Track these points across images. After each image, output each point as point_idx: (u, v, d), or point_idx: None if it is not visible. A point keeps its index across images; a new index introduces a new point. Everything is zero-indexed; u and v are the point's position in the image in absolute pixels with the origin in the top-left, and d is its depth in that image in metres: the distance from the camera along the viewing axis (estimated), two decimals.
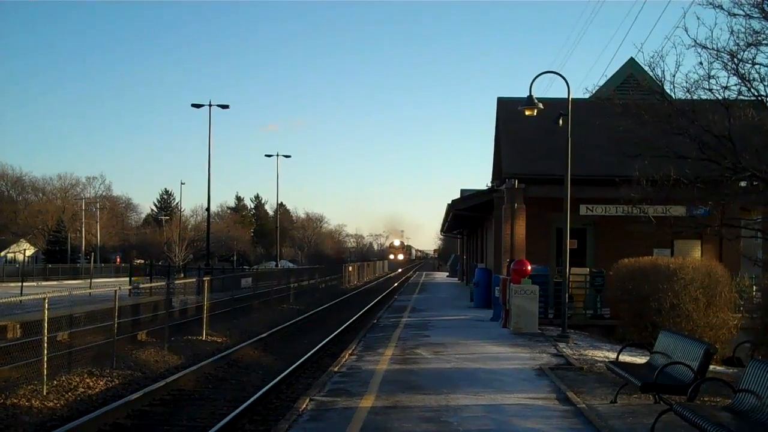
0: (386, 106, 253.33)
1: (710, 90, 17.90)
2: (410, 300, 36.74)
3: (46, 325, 14.74)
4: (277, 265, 77.15)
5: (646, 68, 20.14)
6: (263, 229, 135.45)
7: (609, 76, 31.97)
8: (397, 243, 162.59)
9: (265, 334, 24.70)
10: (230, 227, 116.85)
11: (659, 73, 18.79)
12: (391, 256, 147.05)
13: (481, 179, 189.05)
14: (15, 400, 13.34)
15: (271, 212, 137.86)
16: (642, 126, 19.06)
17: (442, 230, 66.95)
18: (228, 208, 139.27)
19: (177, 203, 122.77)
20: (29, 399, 13.56)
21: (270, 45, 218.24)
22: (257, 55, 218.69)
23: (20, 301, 23.82)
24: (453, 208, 36.45)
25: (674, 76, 18.68)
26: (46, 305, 14.84)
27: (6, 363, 16.53)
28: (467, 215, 38.19)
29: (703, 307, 18.49)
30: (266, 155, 74.60)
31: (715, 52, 17.28)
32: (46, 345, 14.56)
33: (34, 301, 19.10)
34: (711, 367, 11.22)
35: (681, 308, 18.37)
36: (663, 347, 11.81)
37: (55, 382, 14.87)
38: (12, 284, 50.19)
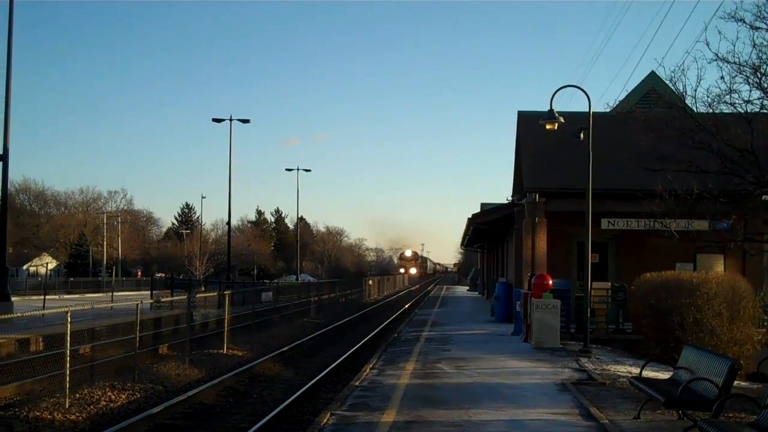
0: (406, 120, 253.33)
1: (732, 104, 17.86)
2: (431, 314, 36.68)
3: (68, 338, 14.80)
4: (297, 279, 77.31)
5: (668, 82, 20.13)
6: (283, 242, 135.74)
7: (630, 90, 32.04)
8: (408, 253, 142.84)
9: (285, 348, 24.71)
10: (251, 241, 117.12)
11: (680, 88, 18.78)
12: (402, 270, 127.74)
13: (502, 193, 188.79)
14: (38, 413, 13.39)
15: (291, 226, 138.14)
16: (663, 140, 19.00)
17: (462, 244, 66.83)
18: (248, 221, 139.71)
19: (198, 217, 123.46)
20: (52, 412, 13.61)
21: (291, 60, 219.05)
22: (278, 70, 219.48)
23: (43, 314, 24.10)
24: (473, 222, 36.41)
25: (695, 90, 18.68)
26: (69, 318, 14.90)
27: (29, 376, 16.63)
28: (487, 229, 38.12)
29: (727, 321, 18.34)
30: (287, 169, 74.94)
31: (737, 66, 17.26)
32: (68, 358, 14.61)
33: (57, 315, 19.20)
34: (735, 382, 11.10)
35: (704, 323, 18.22)
36: (687, 362, 11.72)
37: (77, 395, 14.92)
38: (34, 297, 50.48)
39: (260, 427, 13.09)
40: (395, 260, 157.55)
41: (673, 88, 19.37)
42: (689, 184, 17.68)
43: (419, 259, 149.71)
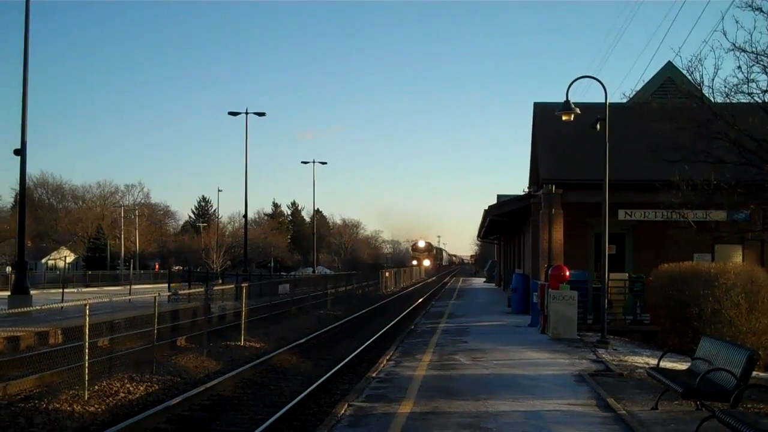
0: (422, 112, 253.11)
1: (749, 94, 17.76)
2: (447, 306, 36.67)
3: (87, 330, 14.90)
4: (314, 271, 77.47)
5: (684, 72, 20.01)
6: (300, 235, 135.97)
7: (647, 80, 31.83)
8: (421, 244, 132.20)
9: (302, 340, 24.78)
10: (267, 233, 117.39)
11: (697, 77, 18.67)
12: (414, 262, 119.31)
13: (518, 185, 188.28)
14: (57, 405, 13.49)
15: (307, 218, 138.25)
16: (680, 130, 18.90)
17: (478, 236, 66.68)
18: (265, 214, 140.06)
19: (214, 210, 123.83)
20: (71, 404, 13.71)
21: (307, 53, 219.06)
22: (294, 63, 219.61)
23: (61, 307, 24.24)
24: (490, 213, 36.32)
25: (713, 80, 18.54)
26: (87, 311, 15.00)
27: (48, 368, 16.77)
28: (504, 221, 38.04)
29: (745, 312, 18.23)
30: (302, 162, 74.94)
31: (755, 55, 17.15)
32: (87, 350, 14.71)
33: (75, 308, 19.33)
34: (754, 373, 11.03)
35: (722, 314, 18.13)
36: (705, 353, 11.66)
37: (96, 387, 15.02)
38: (53, 291, 50.82)
39: (277, 418, 13.14)
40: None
41: (690, 78, 19.26)
42: (707, 175, 17.58)
43: (433, 251, 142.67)
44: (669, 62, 30.93)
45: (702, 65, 18.71)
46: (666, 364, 12.87)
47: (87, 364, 14.60)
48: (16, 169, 39.68)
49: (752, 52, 17.08)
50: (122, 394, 15.05)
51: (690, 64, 18.94)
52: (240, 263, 75.53)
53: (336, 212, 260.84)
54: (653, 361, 14.28)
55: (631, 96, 26.55)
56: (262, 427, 12.35)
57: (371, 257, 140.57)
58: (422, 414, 11.05)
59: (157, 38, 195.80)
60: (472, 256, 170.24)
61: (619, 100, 25.20)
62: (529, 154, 38.56)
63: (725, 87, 18.33)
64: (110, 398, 14.63)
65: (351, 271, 77.50)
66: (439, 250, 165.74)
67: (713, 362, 10.95)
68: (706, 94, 18.78)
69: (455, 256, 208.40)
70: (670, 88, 28.29)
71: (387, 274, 70.46)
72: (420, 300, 48.69)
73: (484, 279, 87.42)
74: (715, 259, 24.55)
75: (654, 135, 20.43)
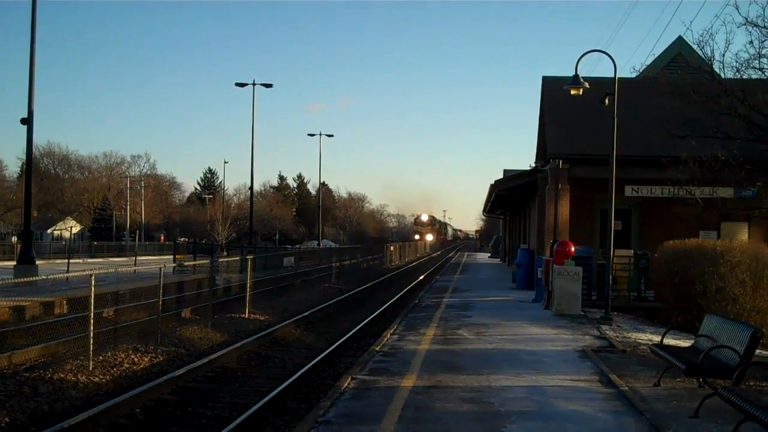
0: (431, 86, 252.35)
1: (761, 69, 17.65)
2: (452, 280, 36.72)
3: (92, 301, 14.91)
4: (319, 244, 77.55)
5: (695, 47, 19.90)
6: (305, 208, 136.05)
7: (657, 55, 31.69)
8: (425, 218, 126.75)
9: (306, 313, 24.82)
10: (273, 206, 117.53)
11: (708, 52, 18.57)
12: (417, 237, 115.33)
13: (525, 159, 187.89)
14: (62, 375, 13.55)
15: (313, 191, 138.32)
16: (690, 106, 18.80)
17: (484, 211, 66.72)
18: (271, 187, 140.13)
19: (220, 182, 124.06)
20: (76, 374, 13.76)
21: (315, 23, 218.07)
22: (303, 34, 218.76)
23: (67, 277, 24.32)
24: (496, 188, 36.26)
25: (723, 55, 18.44)
26: (93, 282, 15.01)
27: (53, 338, 16.84)
28: (510, 196, 37.97)
29: (750, 290, 18.17)
30: (309, 134, 75.02)
31: (767, 30, 16.98)
32: (92, 321, 14.74)
33: (81, 278, 19.37)
34: (757, 351, 11.03)
35: (727, 291, 18.07)
36: (708, 330, 11.64)
37: (100, 357, 15.07)
38: (59, 261, 50.97)
39: (281, 390, 13.18)
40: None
41: (700, 53, 19.13)
42: (715, 151, 17.50)
43: (437, 225, 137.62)
44: (680, 37, 30.77)
45: (713, 40, 18.66)
46: (669, 341, 12.87)
47: (92, 335, 14.63)
48: (22, 138, 39.68)
49: (765, 26, 16.99)
50: (127, 365, 15.10)
51: (701, 38, 18.87)
52: (245, 235, 75.67)
53: (342, 185, 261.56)
54: (656, 338, 14.29)
55: (641, 71, 26.36)
56: (265, 399, 12.38)
57: (376, 231, 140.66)
58: (425, 388, 11.07)
59: (166, 9, 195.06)
60: (477, 231, 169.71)
61: (629, 75, 25.07)
62: (536, 129, 38.41)
63: (736, 62, 18.25)
64: (115, 369, 14.68)
65: (356, 244, 77.67)
66: (443, 225, 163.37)
67: (717, 340, 10.94)
68: (717, 70, 18.67)
69: (460, 230, 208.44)
70: (681, 63, 28.14)
71: (392, 248, 70.56)
72: (424, 274, 48.74)
73: (489, 254, 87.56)
74: (721, 237, 24.48)
75: (663, 110, 20.33)
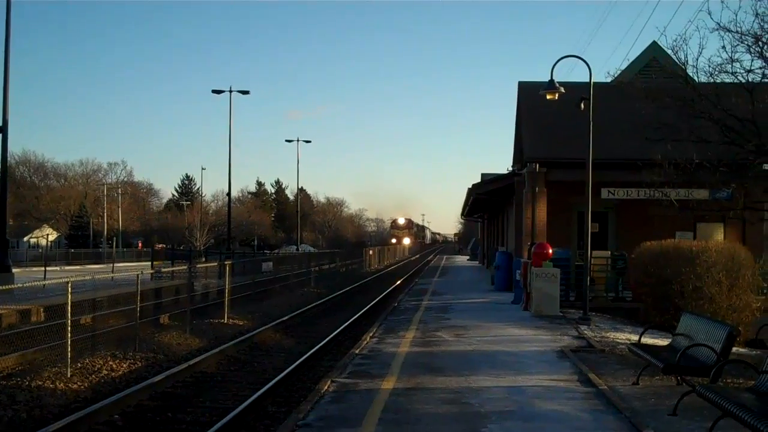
0: (408, 92, 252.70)
1: (733, 73, 17.79)
2: (431, 283, 36.77)
3: (69, 308, 14.84)
4: (297, 250, 77.36)
5: (669, 52, 20.06)
6: (284, 213, 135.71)
7: (631, 60, 31.87)
8: (401, 221, 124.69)
9: (286, 318, 24.79)
10: (251, 212, 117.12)
11: (682, 57, 18.71)
12: (394, 240, 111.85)
13: (502, 164, 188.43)
14: (39, 382, 13.47)
15: (291, 197, 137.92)
16: (664, 110, 18.95)
17: (462, 214, 66.88)
18: (249, 193, 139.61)
19: (198, 188, 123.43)
20: (53, 381, 13.68)
21: (292, 30, 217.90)
22: (279, 41, 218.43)
23: (44, 285, 24.15)
24: (474, 192, 36.37)
25: (697, 59, 18.64)
26: (70, 289, 14.94)
27: (30, 346, 16.72)
28: (488, 199, 38.10)
29: (726, 289, 18.38)
30: (286, 140, 75.01)
31: (739, 35, 17.16)
32: (69, 328, 14.67)
33: (58, 286, 19.26)
34: (734, 349, 11.13)
35: (704, 291, 18.27)
36: (685, 329, 11.75)
37: (78, 364, 15.00)
38: (35, 269, 50.58)
39: (261, 395, 13.17)
40: None
41: (674, 57, 19.28)
42: (689, 154, 17.64)
43: (414, 228, 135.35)
44: (654, 42, 30.98)
45: (687, 45, 18.86)
46: (647, 340, 12.96)
47: (70, 342, 14.57)
48: None
49: (737, 31, 17.10)
50: (105, 372, 15.03)
51: (675, 43, 18.99)
52: (223, 241, 75.40)
53: (320, 191, 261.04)
54: (635, 338, 14.37)
55: (615, 75, 26.59)
56: (245, 404, 12.37)
57: (355, 236, 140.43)
58: (405, 390, 11.09)
59: (142, 16, 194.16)
60: (456, 234, 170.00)
61: (604, 80, 25.21)
62: (513, 133, 38.56)
63: (709, 67, 18.37)
64: (93, 375, 14.61)
65: (335, 249, 77.54)
66: (421, 228, 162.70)
67: (694, 338, 11.04)
68: (691, 74, 18.82)
69: (439, 234, 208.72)
70: (655, 67, 28.33)
71: (371, 252, 70.58)
72: (403, 278, 48.78)
73: (468, 257, 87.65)
74: (697, 238, 24.67)
75: (638, 114, 20.46)
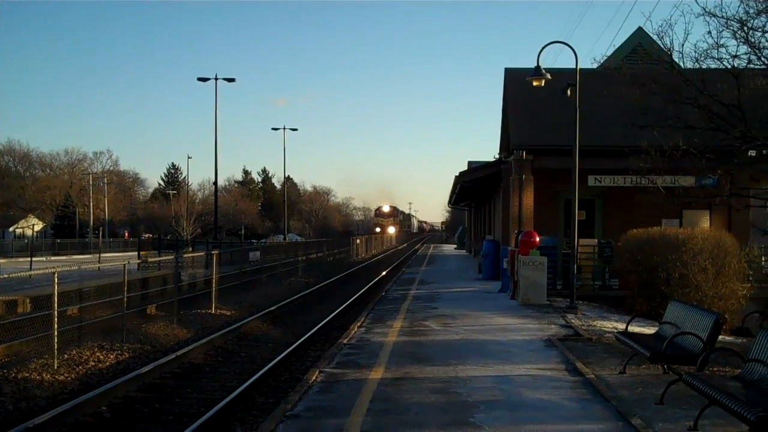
0: (395, 80, 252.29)
1: (719, 59, 17.81)
2: (418, 272, 36.78)
3: (56, 299, 14.78)
4: (284, 239, 77.19)
5: (655, 37, 20.02)
6: (271, 202, 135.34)
7: (617, 45, 31.79)
8: (386, 209, 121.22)
9: (273, 308, 24.74)
10: (238, 201, 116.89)
11: (668, 43, 18.69)
12: (378, 229, 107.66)
13: (489, 151, 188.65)
14: (26, 374, 13.40)
15: (278, 186, 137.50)
16: (651, 96, 18.94)
17: (449, 202, 66.84)
18: (235, 181, 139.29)
19: (184, 177, 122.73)
20: (40, 373, 13.63)
21: (278, 18, 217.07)
22: (265, 29, 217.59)
23: (30, 276, 24.01)
24: (460, 180, 36.34)
25: (683, 45, 18.62)
26: (56, 279, 14.87)
27: (17, 337, 16.63)
28: (475, 187, 38.10)
29: (712, 277, 18.46)
30: (273, 129, 74.80)
31: (725, 20, 17.16)
32: (56, 319, 14.61)
33: (44, 276, 19.16)
34: (720, 337, 11.20)
35: (690, 278, 18.34)
36: (672, 317, 11.79)
37: (65, 355, 14.94)
38: (21, 259, 50.37)
39: (249, 385, 13.15)
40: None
41: (660, 43, 19.25)
42: (676, 140, 17.65)
43: (399, 216, 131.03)
44: (640, 28, 30.97)
45: (672, 30, 18.82)
46: (634, 328, 13.02)
47: (56, 333, 14.52)
48: None
49: (722, 17, 17.10)
50: (92, 363, 14.98)
51: (660, 29, 19.07)
52: (210, 231, 75.11)
53: (307, 179, 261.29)
54: (621, 326, 14.42)
55: (601, 61, 26.51)
56: (233, 395, 12.35)
57: (342, 224, 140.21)
58: (393, 380, 11.10)
59: (128, 5, 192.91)
60: (443, 223, 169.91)
61: (591, 66, 25.19)
62: (500, 120, 38.53)
63: (695, 52, 18.39)
64: (80, 367, 14.55)
65: (322, 238, 77.45)
66: (407, 216, 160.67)
67: (680, 326, 11.07)
68: (676, 60, 18.81)
69: (426, 222, 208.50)
70: (641, 53, 28.34)
71: (358, 241, 70.52)
72: (391, 267, 48.77)
73: (455, 245, 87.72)
74: (683, 225, 24.74)
75: (624, 101, 20.46)
